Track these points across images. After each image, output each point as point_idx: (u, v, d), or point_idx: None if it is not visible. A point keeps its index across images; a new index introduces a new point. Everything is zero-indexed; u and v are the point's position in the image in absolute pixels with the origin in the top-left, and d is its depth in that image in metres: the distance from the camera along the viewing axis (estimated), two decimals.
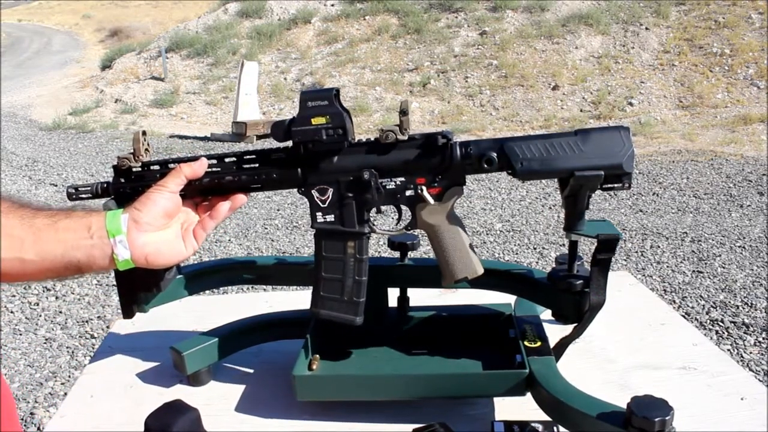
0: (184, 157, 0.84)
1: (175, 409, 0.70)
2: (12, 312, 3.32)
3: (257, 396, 0.93)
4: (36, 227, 0.67)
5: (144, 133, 0.85)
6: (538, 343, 0.86)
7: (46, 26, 24.86)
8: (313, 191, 0.81)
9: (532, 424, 0.75)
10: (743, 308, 3.06)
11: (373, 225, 0.83)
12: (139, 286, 0.85)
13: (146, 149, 0.84)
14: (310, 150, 0.79)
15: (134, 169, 0.84)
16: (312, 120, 0.77)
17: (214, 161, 0.84)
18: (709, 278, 3.43)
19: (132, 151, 0.83)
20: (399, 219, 0.84)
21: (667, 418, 0.65)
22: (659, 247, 3.93)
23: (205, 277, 1.01)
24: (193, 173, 0.79)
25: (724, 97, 8.30)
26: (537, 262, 3.77)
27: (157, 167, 0.84)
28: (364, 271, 0.83)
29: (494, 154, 0.75)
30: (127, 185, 0.85)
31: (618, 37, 9.77)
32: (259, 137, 8.02)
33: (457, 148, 0.77)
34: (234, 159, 0.83)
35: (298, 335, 0.93)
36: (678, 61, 9.11)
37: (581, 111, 8.58)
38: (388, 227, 0.86)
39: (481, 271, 0.82)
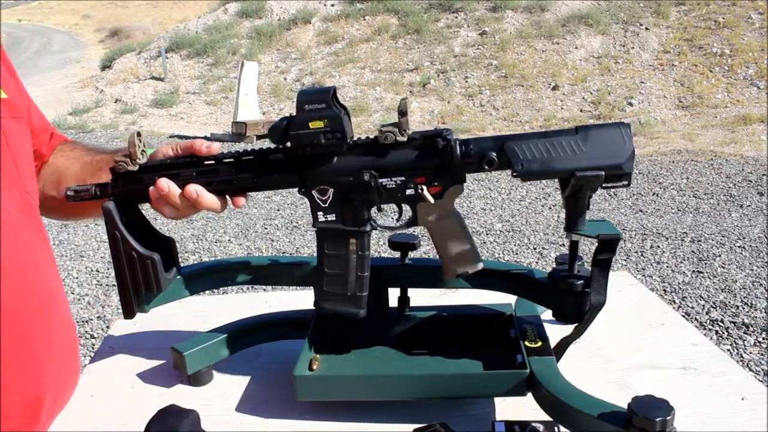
0: (182, 160, 0.84)
1: (176, 412, 0.70)
2: None
3: (258, 396, 0.93)
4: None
5: (139, 135, 0.84)
6: (539, 343, 0.86)
7: (46, 26, 24.84)
8: (313, 191, 0.81)
9: (533, 424, 0.75)
10: (743, 308, 3.06)
11: (374, 222, 0.83)
12: (140, 285, 0.85)
13: (143, 151, 0.84)
14: (308, 152, 0.79)
15: (131, 173, 0.84)
16: (309, 124, 0.76)
17: (213, 162, 0.83)
18: (709, 278, 3.43)
19: (128, 153, 0.83)
20: (399, 216, 0.85)
21: (668, 418, 0.65)
22: (659, 247, 3.93)
23: (206, 277, 1.01)
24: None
25: (724, 97, 8.30)
26: (537, 262, 3.77)
27: (154, 170, 0.84)
28: (367, 267, 0.83)
29: (494, 155, 0.75)
30: (125, 188, 0.85)
31: (618, 37, 9.78)
32: (258, 137, 8.02)
33: (456, 148, 0.77)
34: (232, 160, 0.83)
35: (298, 335, 0.93)
36: (678, 61, 9.11)
37: (581, 111, 8.58)
38: (389, 222, 0.86)
39: (481, 266, 0.83)
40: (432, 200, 0.79)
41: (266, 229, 4.64)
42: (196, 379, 0.96)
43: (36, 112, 1.02)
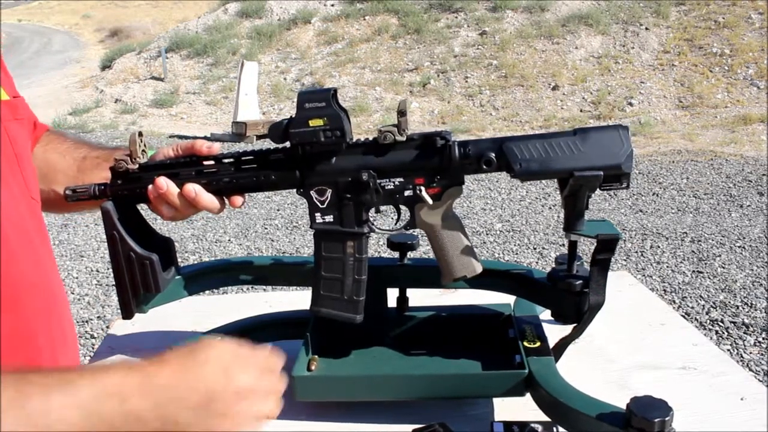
0: (182, 160, 0.84)
1: None
2: None
3: None
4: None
5: (140, 134, 0.84)
6: (538, 344, 0.86)
7: (46, 26, 24.82)
8: (311, 192, 0.81)
9: (532, 425, 0.75)
10: (743, 308, 3.06)
11: (373, 225, 0.83)
12: (138, 286, 0.85)
13: (143, 150, 0.84)
14: (308, 151, 0.79)
15: (131, 171, 0.84)
16: (309, 122, 0.77)
17: (212, 162, 0.83)
18: (709, 278, 3.43)
19: (129, 152, 0.83)
20: (398, 219, 0.84)
21: (666, 418, 0.65)
22: (659, 247, 3.93)
23: (205, 277, 1.01)
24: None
25: (724, 97, 8.30)
26: (537, 262, 3.77)
27: (154, 169, 0.84)
28: (364, 271, 0.83)
29: (493, 155, 0.75)
30: (124, 187, 0.84)
31: (618, 37, 9.77)
32: (258, 137, 8.02)
33: (455, 149, 0.77)
34: (232, 160, 0.83)
35: (297, 335, 0.93)
36: (678, 61, 9.11)
37: (581, 111, 8.58)
38: (387, 227, 0.86)
39: (480, 269, 0.82)
40: (430, 201, 0.79)
41: (266, 229, 4.64)
42: None
43: (22, 104, 1.01)
